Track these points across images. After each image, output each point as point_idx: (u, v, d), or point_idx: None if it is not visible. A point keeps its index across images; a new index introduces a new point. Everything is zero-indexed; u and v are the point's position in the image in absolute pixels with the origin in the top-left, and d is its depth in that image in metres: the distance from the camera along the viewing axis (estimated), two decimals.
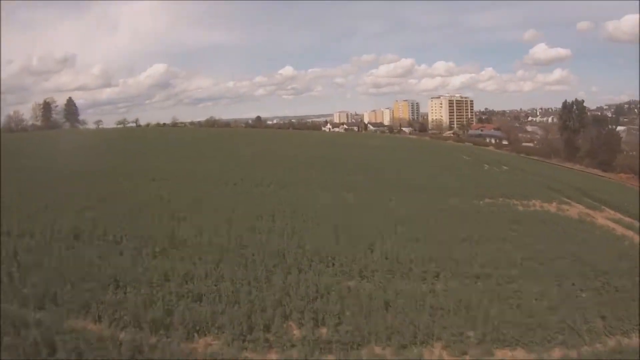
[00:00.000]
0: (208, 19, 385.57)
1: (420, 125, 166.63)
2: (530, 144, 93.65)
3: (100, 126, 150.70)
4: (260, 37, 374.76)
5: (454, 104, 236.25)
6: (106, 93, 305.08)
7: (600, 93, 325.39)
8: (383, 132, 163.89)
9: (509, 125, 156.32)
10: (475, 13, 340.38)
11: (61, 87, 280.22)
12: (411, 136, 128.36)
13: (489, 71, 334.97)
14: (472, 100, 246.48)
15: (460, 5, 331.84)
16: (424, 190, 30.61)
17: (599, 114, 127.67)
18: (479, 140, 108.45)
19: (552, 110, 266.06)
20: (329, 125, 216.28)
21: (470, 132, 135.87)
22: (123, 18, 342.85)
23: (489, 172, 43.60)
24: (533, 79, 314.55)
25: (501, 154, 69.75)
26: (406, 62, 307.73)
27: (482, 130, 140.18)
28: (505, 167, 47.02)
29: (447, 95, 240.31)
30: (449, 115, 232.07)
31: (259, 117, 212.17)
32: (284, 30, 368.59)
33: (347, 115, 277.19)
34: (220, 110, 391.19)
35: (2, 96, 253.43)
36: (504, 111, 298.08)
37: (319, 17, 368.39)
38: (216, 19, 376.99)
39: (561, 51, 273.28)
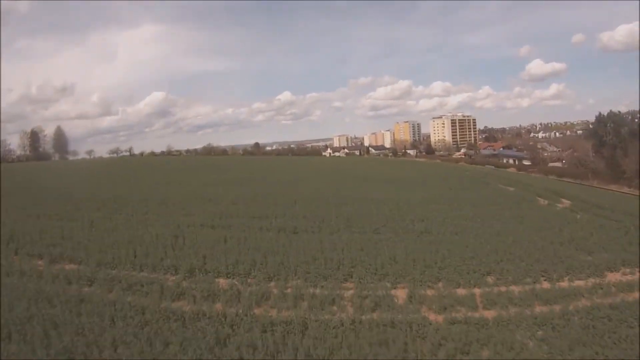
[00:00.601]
0: (206, 47, 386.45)
1: (426, 146, 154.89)
2: (558, 164, 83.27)
3: (92, 156, 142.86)
4: (258, 64, 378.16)
5: (457, 123, 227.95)
6: (106, 121, 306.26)
7: (597, 105, 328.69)
8: (386, 155, 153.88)
9: (528, 144, 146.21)
10: (469, 32, 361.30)
11: (61, 115, 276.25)
12: (418, 159, 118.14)
13: (485, 89, 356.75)
14: (474, 119, 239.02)
15: (454, 26, 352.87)
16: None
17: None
18: (494, 161, 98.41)
19: (551, 125, 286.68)
20: (329, 150, 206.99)
21: (484, 151, 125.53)
22: (122, 47, 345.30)
23: (562, 216, 28.91)
24: (530, 95, 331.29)
25: (532, 178, 59.32)
26: (403, 83, 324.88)
27: (494, 150, 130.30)
28: (565, 201, 35.11)
29: (448, 114, 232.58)
30: (452, 134, 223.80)
31: (257, 144, 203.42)
32: (282, 56, 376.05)
33: (346, 138, 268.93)
34: (219, 137, 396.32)
35: (1, 125, 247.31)
36: (503, 128, 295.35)
37: (316, 42, 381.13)
38: (214, 46, 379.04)
39: (557, 65, 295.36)
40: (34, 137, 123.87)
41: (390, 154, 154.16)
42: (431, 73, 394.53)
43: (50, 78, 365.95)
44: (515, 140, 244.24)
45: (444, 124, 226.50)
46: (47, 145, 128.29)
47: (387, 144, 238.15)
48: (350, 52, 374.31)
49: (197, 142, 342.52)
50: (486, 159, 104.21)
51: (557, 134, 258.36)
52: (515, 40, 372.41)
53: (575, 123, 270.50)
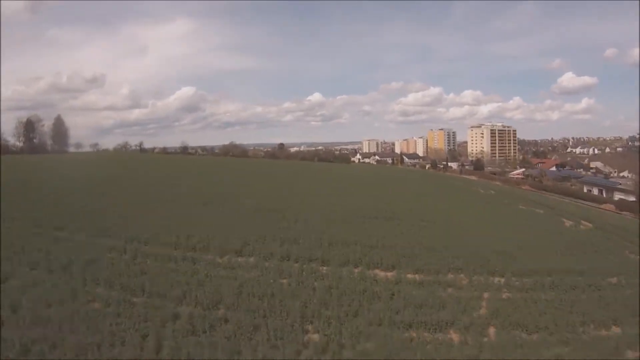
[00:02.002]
0: (237, 44, 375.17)
1: (476, 161, 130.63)
2: None
3: (96, 149, 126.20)
4: (289, 64, 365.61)
5: (496, 134, 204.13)
6: (135, 114, 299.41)
7: (627, 121, 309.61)
8: (422, 166, 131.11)
9: (581, 162, 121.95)
10: (502, 42, 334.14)
11: (90, 106, 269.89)
12: (466, 176, 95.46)
13: (516, 100, 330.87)
14: (514, 130, 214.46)
15: (487, 34, 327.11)
16: None
17: None
18: (567, 189, 75.21)
19: (584, 139, 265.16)
20: (358, 156, 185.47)
21: (552, 171, 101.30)
22: (153, 40, 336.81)
23: None
24: (560, 109, 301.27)
25: None
26: (434, 90, 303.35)
27: (560, 170, 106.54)
28: None
29: (488, 124, 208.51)
30: (491, 146, 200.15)
31: (281, 145, 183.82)
32: (313, 57, 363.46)
33: (376, 143, 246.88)
34: (248, 135, 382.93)
35: (29, 112, 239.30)
36: (535, 140, 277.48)
37: (348, 44, 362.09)
38: (245, 44, 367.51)
39: (588, 79, 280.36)
40: (29, 126, 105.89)
41: (428, 166, 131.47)
42: (462, 81, 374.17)
43: (80, 68, 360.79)
44: (553, 155, 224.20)
45: (482, 133, 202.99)
46: (44, 137, 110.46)
47: (420, 152, 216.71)
48: (382, 56, 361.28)
49: (225, 139, 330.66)
50: (556, 184, 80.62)
51: (595, 150, 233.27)
52: (548, 52, 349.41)
53: (608, 139, 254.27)
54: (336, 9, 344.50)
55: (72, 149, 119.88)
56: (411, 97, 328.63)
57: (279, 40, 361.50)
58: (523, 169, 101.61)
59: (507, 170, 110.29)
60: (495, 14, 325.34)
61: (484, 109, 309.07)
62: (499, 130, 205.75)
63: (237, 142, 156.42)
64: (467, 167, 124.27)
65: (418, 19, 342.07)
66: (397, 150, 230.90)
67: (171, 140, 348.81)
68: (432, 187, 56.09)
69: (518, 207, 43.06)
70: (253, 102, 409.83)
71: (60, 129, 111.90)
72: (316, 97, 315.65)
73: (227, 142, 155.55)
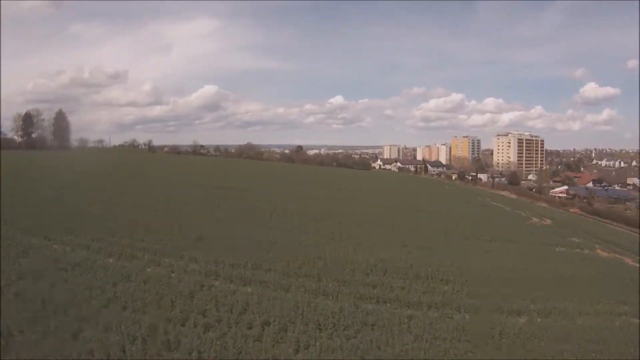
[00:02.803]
0: (260, 44, 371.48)
1: (511, 175, 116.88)
2: None
3: (102, 145, 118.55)
4: (312, 65, 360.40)
5: (523, 144, 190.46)
6: (156, 110, 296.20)
7: None
8: (449, 176, 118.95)
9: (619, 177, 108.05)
10: (524, 49, 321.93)
11: (111, 101, 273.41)
12: (499, 192, 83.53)
13: (538, 109, 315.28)
14: (542, 140, 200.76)
15: (510, 41, 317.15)
16: None
17: None
18: (621, 213, 62.81)
19: (606, 151, 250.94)
20: (379, 162, 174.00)
21: (598, 189, 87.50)
22: (177, 38, 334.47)
23: None
24: (582, 119, 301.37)
25: None
26: (456, 96, 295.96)
27: (603, 187, 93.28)
28: None
29: (515, 132, 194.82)
30: (518, 156, 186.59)
31: (299, 147, 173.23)
32: (336, 60, 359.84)
33: (398, 149, 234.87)
34: (268, 135, 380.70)
35: (51, 105, 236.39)
36: (557, 151, 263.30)
37: (370, 48, 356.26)
38: (268, 45, 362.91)
39: (610, 90, 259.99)
40: (28, 120, 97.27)
41: (455, 176, 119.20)
42: (483, 88, 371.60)
43: (102, 63, 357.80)
44: (579, 167, 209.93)
45: (509, 142, 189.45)
46: (44, 132, 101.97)
47: (443, 160, 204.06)
48: (404, 60, 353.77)
49: (245, 139, 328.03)
50: (608, 207, 67.73)
51: (622, 163, 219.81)
52: (570, 61, 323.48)
53: (631, 152, 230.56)
54: (360, 12, 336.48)
55: (76, 144, 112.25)
56: (432, 103, 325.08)
57: (302, 42, 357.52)
58: (566, 187, 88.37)
59: (545, 185, 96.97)
60: (519, 20, 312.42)
61: (505, 117, 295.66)
62: (526, 139, 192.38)
63: (257, 142, 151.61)
64: (497, 178, 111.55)
65: (441, 24, 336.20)
66: (419, 157, 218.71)
67: (192, 138, 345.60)
68: (471, 209, 45.10)
69: (596, 252, 31.66)
70: (275, 102, 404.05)
71: (61, 124, 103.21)
72: (338, 99, 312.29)
73: (246, 142, 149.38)
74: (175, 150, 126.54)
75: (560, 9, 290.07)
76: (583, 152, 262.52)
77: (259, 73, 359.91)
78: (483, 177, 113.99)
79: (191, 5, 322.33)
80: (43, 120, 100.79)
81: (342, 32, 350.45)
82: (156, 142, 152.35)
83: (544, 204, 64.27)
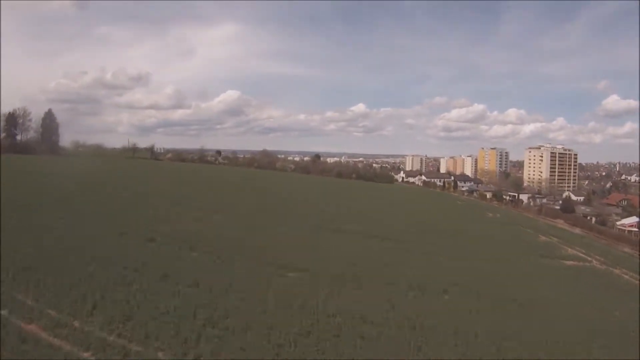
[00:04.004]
0: (284, 51, 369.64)
1: (565, 201, 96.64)
2: None
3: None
4: (334, 73, 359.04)
5: (556, 158, 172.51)
6: (178, 114, 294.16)
7: None
8: (482, 196, 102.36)
9: None
10: (548, 61, 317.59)
11: (134, 103, 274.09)
12: (558, 222, 67.16)
13: (560, 121, 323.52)
14: (575, 154, 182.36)
15: (533, 53, 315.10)
16: None
17: None
18: None
19: (629, 165, 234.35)
20: (402, 174, 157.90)
21: None
22: (201, 42, 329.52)
23: None
24: (604, 132, 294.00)
25: None
26: (478, 107, 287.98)
27: None
28: None
29: (547, 145, 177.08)
30: (550, 170, 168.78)
31: (317, 156, 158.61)
32: (359, 69, 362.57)
33: (420, 160, 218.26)
34: (289, 141, 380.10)
35: (73, 106, 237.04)
36: (580, 164, 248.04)
37: (394, 58, 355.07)
38: (292, 51, 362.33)
39: (633, 103, 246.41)
40: (11, 121, 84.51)
41: (489, 194, 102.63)
42: (506, 100, 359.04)
43: (125, 66, 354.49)
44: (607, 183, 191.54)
45: (542, 156, 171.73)
46: (31, 133, 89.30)
47: (468, 172, 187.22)
48: (428, 71, 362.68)
49: (266, 145, 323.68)
50: None
51: None
52: (594, 73, 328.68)
53: None
54: (385, 22, 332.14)
55: (71, 147, 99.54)
56: (454, 113, 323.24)
57: (326, 50, 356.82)
58: (637, 219, 70.49)
59: (605, 214, 78.90)
60: (543, 34, 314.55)
61: (527, 129, 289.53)
62: (559, 153, 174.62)
63: (277, 148, 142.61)
64: (537, 198, 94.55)
65: (466, 36, 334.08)
66: (443, 169, 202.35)
67: (213, 142, 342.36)
68: (557, 274, 29.62)
69: None
70: (296, 109, 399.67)
71: (49, 126, 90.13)
72: (360, 107, 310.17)
73: (268, 148, 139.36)
74: (178, 158, 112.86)
75: (585, 22, 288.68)
76: (606, 166, 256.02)
77: (282, 79, 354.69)
78: (524, 198, 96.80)
79: (217, 9, 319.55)
80: (30, 120, 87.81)
81: (367, 41, 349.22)
82: (178, 146, 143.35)
83: (627, 251, 47.62)
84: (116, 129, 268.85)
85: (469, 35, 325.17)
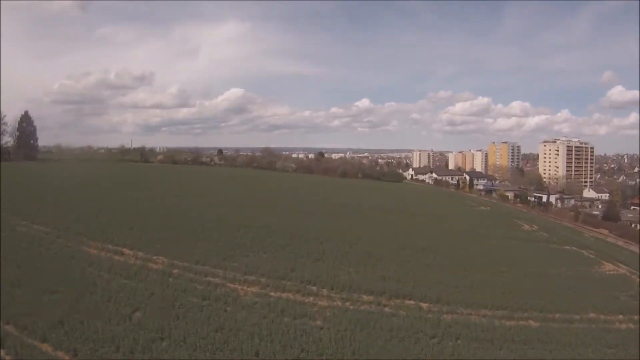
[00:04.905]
0: (288, 48, 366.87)
1: (610, 206, 78.16)
2: None
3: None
4: (340, 70, 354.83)
5: (572, 152, 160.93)
6: (182, 113, 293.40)
7: None
8: (504, 197, 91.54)
9: None
10: (552, 55, 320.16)
11: (138, 103, 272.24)
12: (602, 233, 56.43)
13: (564, 113, 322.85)
14: (592, 147, 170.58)
15: (538, 47, 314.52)
16: None
17: None
18: None
19: (637, 156, 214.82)
20: (410, 171, 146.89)
21: None
22: (205, 41, 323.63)
23: None
24: (608, 123, 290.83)
25: None
26: (483, 100, 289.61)
27: None
28: None
29: (563, 139, 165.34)
30: (567, 165, 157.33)
31: (320, 154, 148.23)
32: (363, 64, 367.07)
33: (428, 155, 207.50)
34: (294, 138, 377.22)
35: (78, 107, 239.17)
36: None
37: (399, 54, 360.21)
38: (296, 49, 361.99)
39: (637, 94, 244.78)
40: None
41: (510, 194, 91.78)
42: (511, 93, 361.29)
43: (129, 66, 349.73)
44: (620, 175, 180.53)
45: (557, 150, 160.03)
46: (6, 138, 79.99)
47: (478, 167, 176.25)
48: (432, 66, 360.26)
49: (271, 142, 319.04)
50: None
51: None
52: (599, 65, 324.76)
53: None
54: (389, 19, 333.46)
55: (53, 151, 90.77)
56: (459, 107, 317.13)
57: (329, 47, 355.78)
58: None
59: None
60: (546, 28, 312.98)
61: (532, 121, 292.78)
62: (575, 146, 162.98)
63: (283, 145, 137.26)
64: (564, 199, 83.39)
65: (470, 32, 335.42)
66: (451, 164, 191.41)
67: (219, 140, 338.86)
68: None
69: None
70: (301, 106, 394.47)
71: (26, 130, 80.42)
72: (364, 103, 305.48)
73: (273, 145, 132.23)
74: (170, 160, 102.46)
75: (587, 15, 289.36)
76: (614, 157, 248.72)
77: (286, 76, 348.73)
78: (551, 198, 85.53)
79: (220, 8, 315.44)
80: (5, 124, 78.21)
81: (371, 38, 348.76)
82: (182, 145, 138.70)
83: None
84: (121, 129, 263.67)
85: (472, 31, 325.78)
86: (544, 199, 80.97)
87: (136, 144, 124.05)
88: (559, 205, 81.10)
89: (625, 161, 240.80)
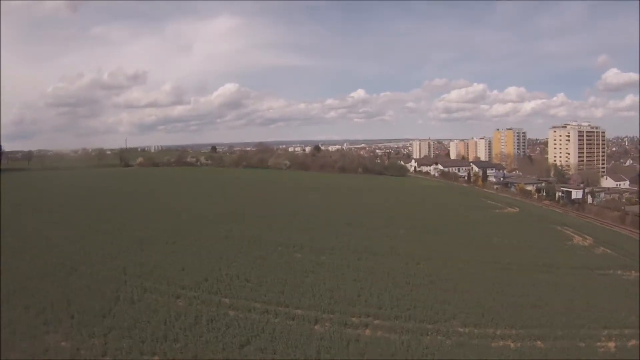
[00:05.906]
0: (281, 42, 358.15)
1: None
2: None
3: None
4: (333, 61, 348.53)
5: (584, 137, 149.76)
6: (177, 110, 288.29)
7: None
8: (525, 192, 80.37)
9: None
10: (547, 39, 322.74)
11: (132, 102, 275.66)
12: None
13: (560, 97, 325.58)
14: (603, 131, 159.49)
15: (532, 31, 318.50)
16: None
17: None
18: None
19: (637, 139, 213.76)
20: (413, 162, 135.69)
21: None
22: (197, 37, 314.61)
23: None
24: (604, 106, 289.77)
25: None
26: (478, 86, 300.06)
27: None
28: None
29: (574, 123, 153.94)
30: (578, 151, 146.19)
31: (317, 147, 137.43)
32: (357, 55, 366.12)
33: (428, 144, 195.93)
34: (291, 131, 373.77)
35: (73, 109, 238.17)
36: None
37: (392, 42, 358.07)
38: (290, 42, 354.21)
39: (633, 76, 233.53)
40: None
41: (531, 189, 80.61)
42: (506, 78, 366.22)
43: (122, 65, 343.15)
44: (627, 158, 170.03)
45: (568, 136, 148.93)
46: None
47: (482, 156, 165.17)
48: (427, 54, 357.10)
49: (268, 136, 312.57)
50: None
51: None
52: (594, 49, 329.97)
53: None
54: (382, 8, 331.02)
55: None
56: (454, 94, 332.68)
57: (323, 38, 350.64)
58: None
59: None
60: (541, 12, 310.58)
61: (528, 106, 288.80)
62: (586, 131, 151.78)
63: (280, 138, 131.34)
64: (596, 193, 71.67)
65: (464, 18, 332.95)
66: (453, 153, 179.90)
67: (215, 136, 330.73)
68: None
69: None
70: (296, 98, 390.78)
71: None
72: (360, 93, 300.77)
73: (270, 139, 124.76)
74: (151, 162, 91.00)
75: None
76: (614, 140, 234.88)
77: (280, 70, 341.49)
78: (578, 193, 73.95)
79: (212, 4, 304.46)
80: None
81: (365, 27, 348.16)
82: (179, 142, 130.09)
83: None
84: (117, 129, 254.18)
85: (466, 17, 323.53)
86: (574, 194, 69.52)
87: (132, 143, 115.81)
88: (592, 201, 69.76)
89: (627, 144, 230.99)
